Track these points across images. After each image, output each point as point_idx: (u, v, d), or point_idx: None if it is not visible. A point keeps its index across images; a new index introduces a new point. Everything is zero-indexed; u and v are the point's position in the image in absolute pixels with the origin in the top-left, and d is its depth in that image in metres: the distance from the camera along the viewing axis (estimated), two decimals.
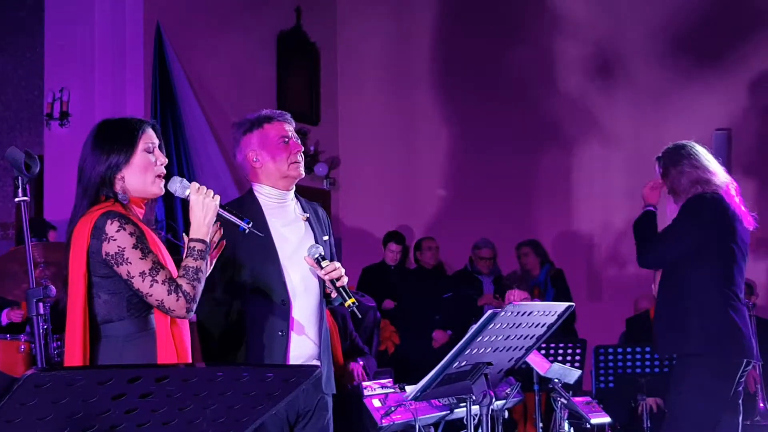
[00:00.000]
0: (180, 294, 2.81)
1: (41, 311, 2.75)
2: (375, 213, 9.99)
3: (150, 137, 2.97)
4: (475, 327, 3.25)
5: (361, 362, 5.49)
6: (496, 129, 9.71)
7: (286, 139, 3.65)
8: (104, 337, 2.85)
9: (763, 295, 8.30)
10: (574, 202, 9.61)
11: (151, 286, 2.79)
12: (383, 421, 4.49)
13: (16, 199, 2.81)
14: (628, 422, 6.49)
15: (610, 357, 6.03)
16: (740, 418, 4.36)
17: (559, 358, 5.94)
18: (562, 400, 4.36)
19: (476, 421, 3.52)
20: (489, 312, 3.26)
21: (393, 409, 4.53)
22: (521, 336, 3.44)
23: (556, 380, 4.37)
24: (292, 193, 3.70)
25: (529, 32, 9.76)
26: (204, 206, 2.95)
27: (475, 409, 3.51)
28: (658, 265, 4.54)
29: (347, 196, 10.23)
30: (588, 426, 5.07)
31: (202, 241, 2.91)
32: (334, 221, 9.13)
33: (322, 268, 3.45)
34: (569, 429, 4.60)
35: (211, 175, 8.07)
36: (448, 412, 4.58)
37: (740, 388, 4.33)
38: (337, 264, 3.47)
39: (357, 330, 5.73)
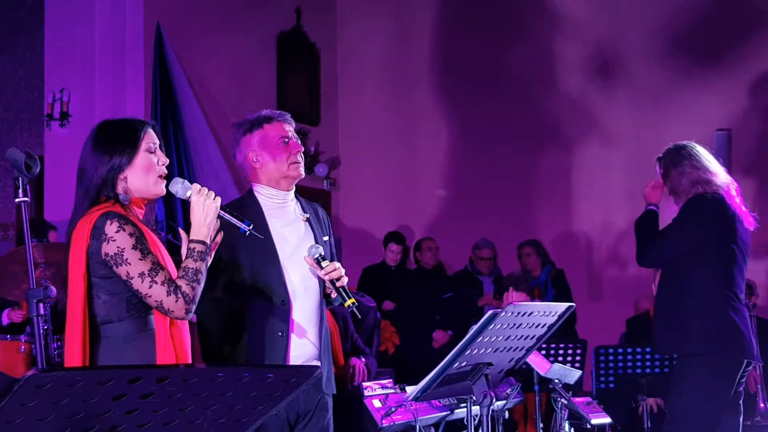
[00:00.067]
0: (179, 295, 2.80)
1: (41, 312, 2.75)
2: (375, 213, 9.99)
3: (152, 137, 2.97)
4: (475, 327, 3.25)
5: (363, 359, 5.49)
6: (496, 129, 9.71)
7: (286, 140, 3.65)
8: (104, 338, 2.85)
9: (764, 295, 8.30)
10: (574, 202, 9.61)
11: (151, 286, 2.79)
12: (384, 421, 4.48)
13: (17, 200, 2.81)
14: (629, 423, 6.49)
15: (611, 357, 6.03)
16: (741, 419, 4.36)
17: (560, 358, 5.94)
18: (563, 400, 4.36)
19: (477, 421, 3.52)
20: (489, 312, 3.26)
21: (393, 409, 4.52)
22: (522, 336, 3.44)
23: (556, 381, 4.37)
24: (292, 194, 3.70)
25: (529, 32, 9.77)
26: (205, 207, 2.94)
27: (476, 409, 3.50)
28: (657, 265, 4.54)
29: (347, 196, 10.23)
30: (588, 426, 5.07)
31: (203, 243, 2.91)
32: (334, 221, 9.13)
33: (322, 268, 3.45)
34: (570, 429, 4.61)
35: (211, 175, 8.08)
36: (449, 412, 4.58)
37: (741, 389, 4.33)
38: (337, 264, 3.47)
39: (357, 331, 5.73)
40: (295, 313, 3.52)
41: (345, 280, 3.47)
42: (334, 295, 3.53)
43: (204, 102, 8.44)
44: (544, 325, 3.48)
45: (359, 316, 3.61)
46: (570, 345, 6.09)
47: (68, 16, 8.09)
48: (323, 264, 3.45)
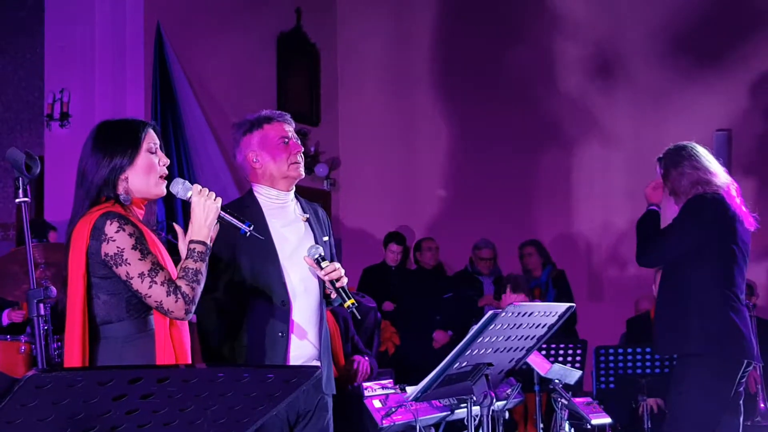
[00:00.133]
0: (179, 295, 2.80)
1: (42, 312, 2.75)
2: (375, 213, 9.99)
3: (153, 138, 2.97)
4: (475, 328, 3.25)
5: (366, 357, 5.47)
6: (496, 129, 9.71)
7: (286, 140, 3.65)
8: (103, 338, 2.85)
9: (764, 295, 8.30)
10: (574, 202, 9.61)
11: (150, 287, 2.79)
12: (384, 421, 4.48)
13: (17, 200, 2.81)
14: (629, 423, 6.49)
15: (611, 357, 6.03)
16: (741, 419, 4.36)
17: (560, 358, 5.93)
18: (563, 400, 4.36)
19: (477, 421, 3.52)
20: (489, 313, 3.26)
21: (394, 409, 4.52)
22: (522, 337, 3.44)
23: (556, 381, 4.37)
24: (292, 194, 3.70)
25: (529, 32, 9.77)
26: (205, 208, 2.94)
27: (476, 409, 3.50)
28: (657, 264, 4.54)
29: (347, 196, 10.23)
30: (588, 427, 5.07)
31: (203, 243, 2.91)
32: (334, 222, 9.13)
33: (321, 268, 3.45)
34: (570, 430, 4.61)
35: (211, 175, 8.08)
36: (449, 412, 4.58)
37: (741, 389, 4.33)
38: (337, 265, 3.47)
39: (357, 331, 5.72)
40: (295, 313, 3.52)
41: (345, 280, 3.47)
42: (333, 295, 3.53)
43: (204, 102, 8.44)
44: (545, 325, 3.48)
45: (359, 317, 3.61)
46: (570, 345, 6.08)
47: (68, 16, 8.09)
48: (323, 264, 3.45)
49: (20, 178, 2.80)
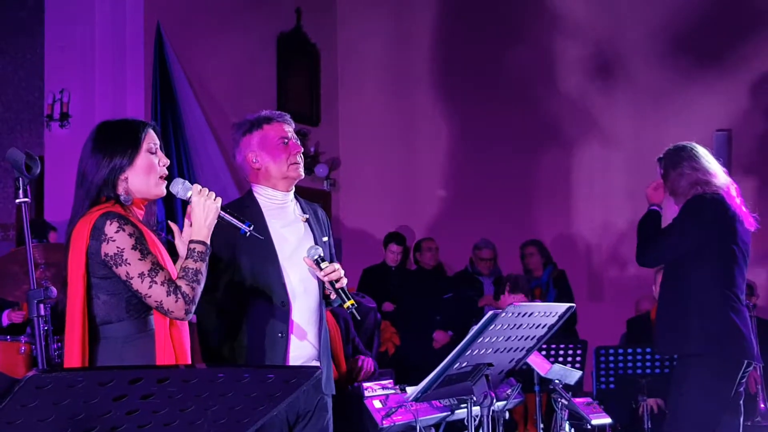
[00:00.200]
0: (179, 295, 2.80)
1: (42, 312, 2.74)
2: (375, 214, 9.99)
3: (152, 138, 2.97)
4: (475, 328, 3.25)
5: (370, 356, 5.47)
6: (496, 129, 9.71)
7: (286, 140, 3.65)
8: (103, 339, 2.85)
9: (764, 296, 8.30)
10: (574, 202, 9.61)
11: (150, 287, 2.79)
12: (384, 422, 4.48)
13: (17, 201, 2.81)
14: (629, 423, 6.49)
15: (611, 358, 6.03)
16: (741, 419, 4.36)
17: (560, 359, 5.93)
18: (563, 401, 4.36)
19: (477, 422, 3.52)
20: (490, 313, 3.26)
21: (394, 410, 4.52)
22: (522, 337, 3.44)
23: (556, 381, 4.37)
24: (291, 194, 3.70)
25: (529, 32, 9.77)
26: (205, 208, 2.94)
27: (476, 410, 3.50)
28: (656, 264, 4.55)
29: (347, 196, 10.23)
30: (589, 427, 5.06)
31: (203, 243, 2.91)
32: (334, 222, 9.13)
33: (321, 269, 3.45)
34: (570, 430, 4.60)
35: (211, 175, 8.08)
36: (449, 413, 4.58)
37: (741, 389, 4.33)
38: (337, 265, 3.47)
39: (357, 332, 5.72)
40: (294, 314, 3.52)
41: (344, 281, 3.47)
42: (333, 296, 3.53)
43: (204, 102, 8.44)
44: (545, 325, 3.48)
45: (358, 318, 3.61)
46: (570, 345, 6.08)
47: (68, 16, 8.09)
48: (322, 265, 3.44)
49: (20, 179, 2.79)
